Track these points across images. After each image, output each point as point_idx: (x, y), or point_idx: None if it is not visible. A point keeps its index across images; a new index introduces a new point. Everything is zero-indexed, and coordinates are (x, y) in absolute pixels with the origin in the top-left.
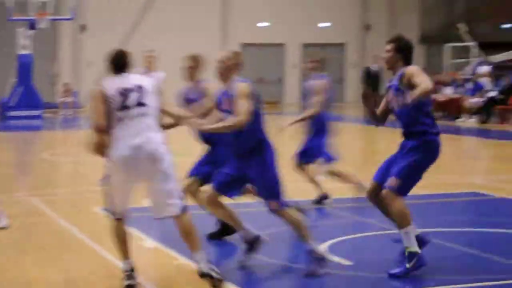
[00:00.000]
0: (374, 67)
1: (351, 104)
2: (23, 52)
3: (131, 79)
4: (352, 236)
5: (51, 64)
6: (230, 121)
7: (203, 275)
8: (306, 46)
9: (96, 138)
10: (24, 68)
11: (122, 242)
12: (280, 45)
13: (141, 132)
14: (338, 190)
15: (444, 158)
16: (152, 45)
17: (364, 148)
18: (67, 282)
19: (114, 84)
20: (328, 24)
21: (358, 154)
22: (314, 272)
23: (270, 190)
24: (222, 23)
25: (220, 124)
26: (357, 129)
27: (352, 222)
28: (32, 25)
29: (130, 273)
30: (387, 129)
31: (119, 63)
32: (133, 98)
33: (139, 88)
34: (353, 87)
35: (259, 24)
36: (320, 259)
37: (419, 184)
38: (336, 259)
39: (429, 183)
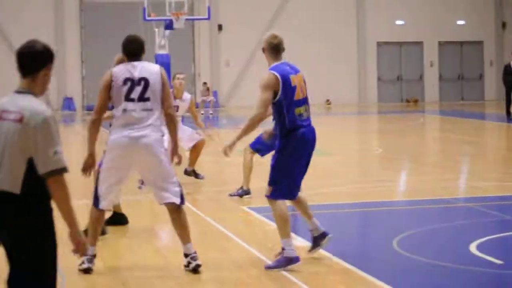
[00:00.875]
0: None
1: (490, 102)
2: (161, 52)
3: (139, 70)
4: (502, 234)
5: (189, 63)
6: (248, 118)
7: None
8: (443, 44)
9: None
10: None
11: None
12: (418, 43)
13: (139, 127)
14: (484, 188)
15: None
16: (288, 44)
17: (507, 147)
18: (216, 280)
19: (121, 73)
20: (463, 22)
21: (500, 153)
22: (276, 267)
23: (270, 175)
24: (359, 21)
25: (243, 126)
26: (498, 127)
27: (501, 220)
28: (168, 25)
29: (91, 258)
30: None
31: (128, 50)
32: (137, 91)
33: (144, 82)
34: (492, 84)
35: (397, 22)
36: (289, 259)
37: None
38: (486, 257)
39: None
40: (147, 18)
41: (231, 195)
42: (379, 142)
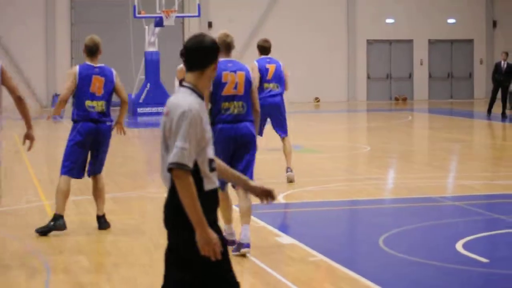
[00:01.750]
0: (504, 63)
1: (480, 101)
2: (151, 49)
3: None
4: (488, 233)
5: (179, 61)
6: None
7: None
8: (433, 42)
9: None
10: (152, 65)
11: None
12: (407, 41)
13: None
14: (472, 186)
15: None
16: (277, 42)
17: (493, 144)
18: None
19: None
20: (453, 20)
21: (488, 151)
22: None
23: None
24: (349, 19)
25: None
26: (487, 126)
27: (488, 219)
28: (158, 23)
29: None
30: None
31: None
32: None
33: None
34: (482, 83)
35: (387, 20)
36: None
37: None
38: (473, 256)
39: None
40: (137, 15)
41: None
42: (367, 140)
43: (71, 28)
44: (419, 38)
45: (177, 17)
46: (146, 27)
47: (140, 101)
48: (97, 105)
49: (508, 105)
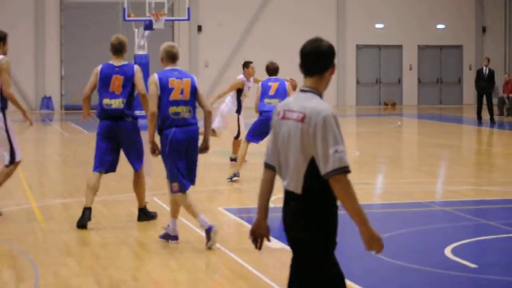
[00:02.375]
0: (486, 69)
1: (469, 106)
2: (140, 52)
3: None
4: (476, 238)
5: None
6: None
7: None
8: (423, 48)
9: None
10: (141, 68)
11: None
12: (397, 46)
13: None
14: (460, 192)
15: None
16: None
17: (482, 150)
18: (192, 282)
19: None
20: (443, 26)
21: (477, 157)
22: (164, 237)
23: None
24: (338, 24)
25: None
26: (475, 131)
27: (476, 224)
28: (148, 26)
29: None
30: (504, 132)
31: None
32: None
33: None
34: (471, 89)
35: (376, 25)
36: (171, 236)
37: None
38: (461, 261)
39: None
40: (127, 18)
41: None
42: (356, 145)
43: (60, 31)
44: (409, 43)
45: (166, 20)
46: (136, 30)
47: None
48: (115, 103)
49: (498, 111)
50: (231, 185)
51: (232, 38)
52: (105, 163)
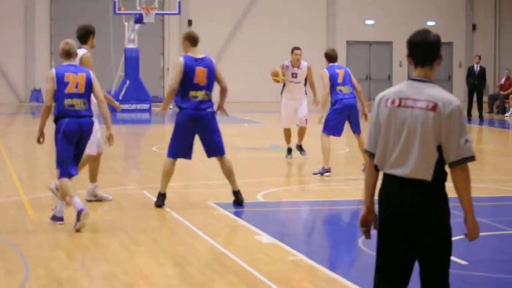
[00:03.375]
0: (477, 66)
1: None
2: (130, 46)
3: None
4: None
5: (158, 58)
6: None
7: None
8: None
9: None
10: (131, 62)
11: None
12: (387, 43)
13: None
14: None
15: None
16: (256, 42)
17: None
18: (182, 276)
19: None
20: (433, 23)
21: None
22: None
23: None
24: (328, 20)
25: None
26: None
27: None
28: (138, 19)
29: None
30: (494, 130)
31: None
32: None
33: None
34: (461, 86)
35: (367, 22)
36: (57, 218)
37: None
38: (452, 258)
39: None
40: (117, 12)
41: (314, 174)
42: (346, 141)
43: (50, 24)
44: (399, 39)
45: (157, 14)
46: (126, 23)
47: (120, 97)
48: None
49: (488, 108)
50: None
51: (222, 33)
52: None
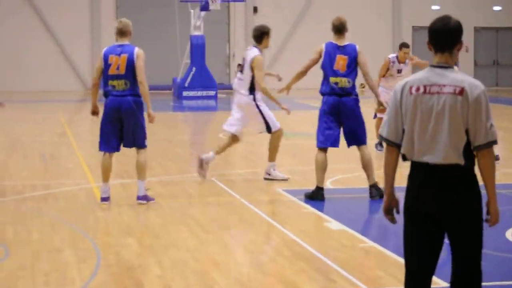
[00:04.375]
0: None
1: None
2: (196, 33)
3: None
4: None
5: (224, 45)
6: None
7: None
8: (478, 30)
9: None
10: (197, 49)
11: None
12: None
13: None
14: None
15: None
16: (325, 27)
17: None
18: (253, 263)
19: None
20: (499, 8)
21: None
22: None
23: None
24: (395, 5)
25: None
26: None
27: None
28: (204, 7)
29: None
30: None
31: None
32: None
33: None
34: None
35: (432, 7)
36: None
37: None
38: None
39: None
40: None
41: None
42: None
43: (116, 12)
44: (465, 25)
45: (222, 1)
46: (192, 11)
47: (186, 85)
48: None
49: None
50: (285, 168)
51: (288, 19)
52: (329, 137)
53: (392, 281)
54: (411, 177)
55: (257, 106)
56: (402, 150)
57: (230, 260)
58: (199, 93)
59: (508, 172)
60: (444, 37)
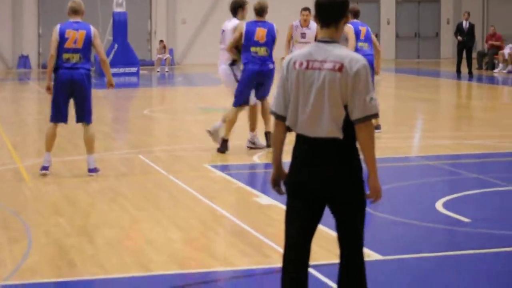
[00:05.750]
0: (466, 23)
1: (446, 60)
2: (118, 10)
3: None
4: (468, 192)
5: (145, 21)
6: None
7: None
8: (400, 2)
9: None
10: (119, 26)
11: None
12: (374, 1)
13: None
14: (447, 146)
15: None
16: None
17: (461, 103)
18: (186, 240)
19: None
20: None
21: (456, 110)
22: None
23: None
24: None
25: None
26: (452, 85)
27: (467, 178)
28: None
29: None
30: (483, 85)
31: None
32: None
33: None
34: (448, 43)
35: None
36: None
37: None
38: (453, 215)
39: None
40: None
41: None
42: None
43: None
44: None
45: None
46: None
47: (108, 61)
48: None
49: (477, 65)
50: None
51: None
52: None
53: (327, 255)
54: (294, 149)
55: (234, 75)
56: (287, 122)
57: (163, 237)
58: (121, 70)
59: (437, 144)
60: (329, 11)
